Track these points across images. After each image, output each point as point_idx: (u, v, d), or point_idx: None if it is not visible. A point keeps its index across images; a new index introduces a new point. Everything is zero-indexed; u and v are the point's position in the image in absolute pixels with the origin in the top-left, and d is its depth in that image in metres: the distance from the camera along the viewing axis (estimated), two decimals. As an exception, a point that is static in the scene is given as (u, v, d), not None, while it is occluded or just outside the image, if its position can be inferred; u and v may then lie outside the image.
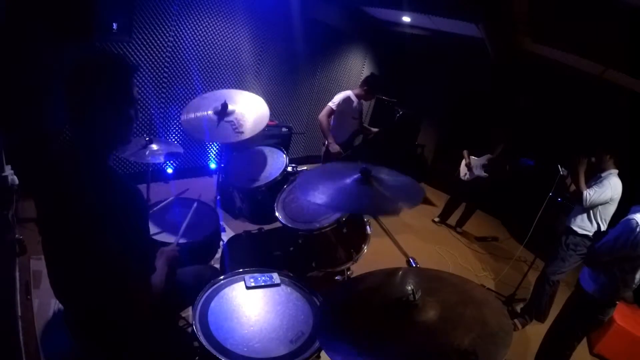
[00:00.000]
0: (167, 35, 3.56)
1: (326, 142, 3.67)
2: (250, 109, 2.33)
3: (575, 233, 2.79)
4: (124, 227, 1.02)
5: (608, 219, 2.73)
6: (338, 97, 3.62)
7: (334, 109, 3.60)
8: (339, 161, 3.50)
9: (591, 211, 2.72)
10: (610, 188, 2.61)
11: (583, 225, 2.77)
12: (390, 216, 1.36)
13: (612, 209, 2.70)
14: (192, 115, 2.28)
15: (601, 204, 2.66)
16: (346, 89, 3.78)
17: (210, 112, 2.27)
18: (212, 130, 2.20)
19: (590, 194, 2.63)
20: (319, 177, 1.52)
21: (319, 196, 1.36)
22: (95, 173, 1.05)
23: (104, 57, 1.11)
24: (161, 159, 2.53)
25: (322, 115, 3.61)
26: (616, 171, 2.66)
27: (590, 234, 2.73)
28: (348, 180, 1.44)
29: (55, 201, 1.06)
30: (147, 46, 3.46)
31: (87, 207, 1.00)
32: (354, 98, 3.67)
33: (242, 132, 2.18)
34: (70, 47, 2.61)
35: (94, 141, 1.06)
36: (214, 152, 4.55)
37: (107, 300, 1.10)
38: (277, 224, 1.92)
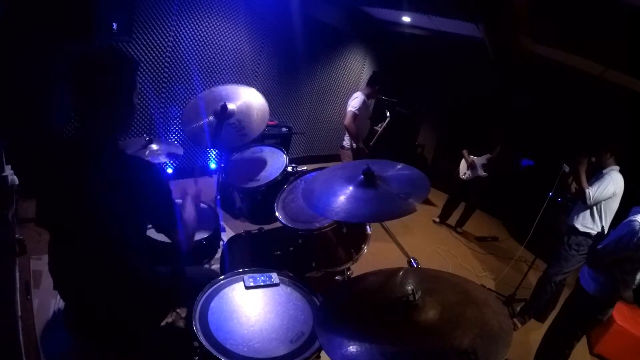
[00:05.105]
0: (167, 35, 3.56)
1: (345, 144, 3.84)
2: (248, 104, 2.28)
3: (577, 231, 2.79)
4: (147, 195, 1.18)
5: (611, 215, 2.72)
6: (357, 102, 3.66)
7: (357, 113, 3.65)
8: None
9: (594, 208, 2.72)
10: (612, 182, 2.61)
11: (585, 223, 2.76)
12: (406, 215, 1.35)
13: (614, 205, 2.69)
14: (194, 125, 2.22)
15: (605, 200, 2.66)
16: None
17: (210, 118, 2.21)
18: (216, 137, 2.14)
19: (593, 191, 2.63)
20: (323, 189, 1.51)
21: (336, 211, 1.36)
22: (110, 155, 1.15)
23: (113, 52, 1.18)
24: (161, 159, 2.52)
25: (349, 122, 3.65)
26: (617, 167, 2.67)
27: (593, 231, 2.72)
28: (354, 186, 1.44)
29: (73, 190, 1.12)
30: (147, 46, 3.45)
31: (111, 187, 1.11)
32: (366, 99, 3.76)
33: (245, 135, 2.14)
34: (71, 46, 2.61)
35: (105, 130, 1.14)
36: (214, 152, 4.55)
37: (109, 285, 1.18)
38: (277, 224, 1.92)
